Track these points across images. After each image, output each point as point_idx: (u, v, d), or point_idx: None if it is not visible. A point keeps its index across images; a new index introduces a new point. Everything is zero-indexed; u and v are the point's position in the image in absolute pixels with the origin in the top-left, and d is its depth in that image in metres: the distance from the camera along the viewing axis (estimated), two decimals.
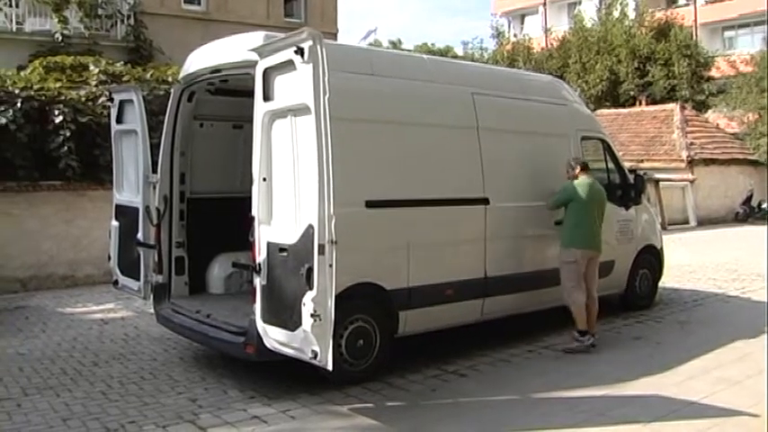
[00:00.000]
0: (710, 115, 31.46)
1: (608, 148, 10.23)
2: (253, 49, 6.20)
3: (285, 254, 5.91)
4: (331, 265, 5.46)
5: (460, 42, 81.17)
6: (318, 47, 5.47)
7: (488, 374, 7.51)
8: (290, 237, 5.84)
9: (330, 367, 5.59)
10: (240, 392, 6.89)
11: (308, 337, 5.57)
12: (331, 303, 5.47)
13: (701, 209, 24.67)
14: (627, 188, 10.29)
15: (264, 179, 6.18)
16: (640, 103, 31.15)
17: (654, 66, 35.11)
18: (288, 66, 5.77)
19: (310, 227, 5.55)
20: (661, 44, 35.65)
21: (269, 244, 6.07)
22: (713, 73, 36.42)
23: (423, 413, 6.39)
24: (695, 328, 9.44)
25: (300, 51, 5.55)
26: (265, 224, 6.16)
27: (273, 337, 6.04)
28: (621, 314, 10.06)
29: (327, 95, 5.48)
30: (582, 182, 8.43)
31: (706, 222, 24.26)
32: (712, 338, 8.65)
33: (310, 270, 5.48)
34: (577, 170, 8.52)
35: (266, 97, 6.12)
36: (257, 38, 6.87)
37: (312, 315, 5.45)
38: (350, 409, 6.48)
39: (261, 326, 6.14)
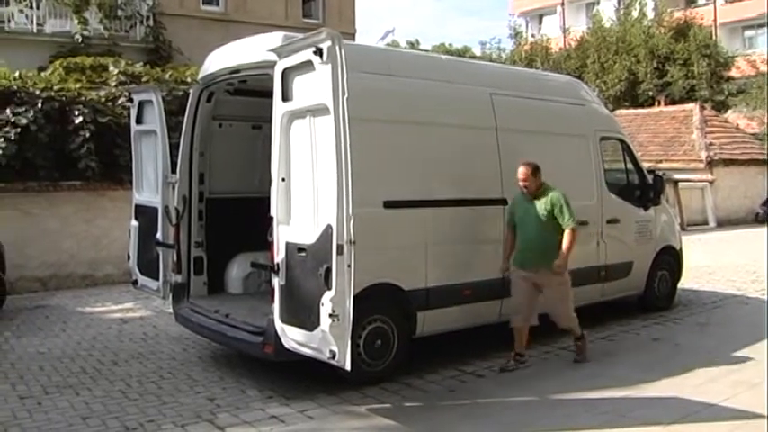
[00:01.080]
0: (730, 115, 31.27)
1: (627, 149, 10.19)
2: (272, 50, 6.21)
3: (304, 254, 5.91)
4: (349, 266, 5.46)
5: (478, 43, 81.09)
6: (337, 47, 5.47)
7: (506, 375, 7.48)
8: (308, 237, 5.85)
9: (348, 367, 5.59)
10: (258, 392, 6.91)
11: (326, 337, 5.57)
12: (349, 303, 5.47)
13: (720, 210, 24.50)
14: (646, 189, 10.24)
15: (283, 179, 6.19)
16: (659, 104, 30.96)
17: (673, 66, 34.93)
18: (307, 66, 5.77)
19: (329, 227, 5.55)
20: (680, 44, 35.47)
21: (287, 244, 6.08)
22: (733, 73, 36.21)
23: (441, 414, 6.39)
24: (714, 329, 9.38)
25: (319, 52, 5.54)
26: (284, 224, 6.17)
27: (292, 336, 6.05)
28: (640, 315, 10.01)
29: (346, 96, 5.48)
30: (517, 193, 7.75)
31: (725, 223, 24.09)
32: (732, 340, 8.59)
33: (329, 270, 5.48)
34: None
35: (285, 98, 6.13)
36: (276, 38, 6.89)
37: (330, 315, 5.45)
38: (368, 409, 6.48)
39: (279, 326, 6.15)
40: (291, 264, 6.04)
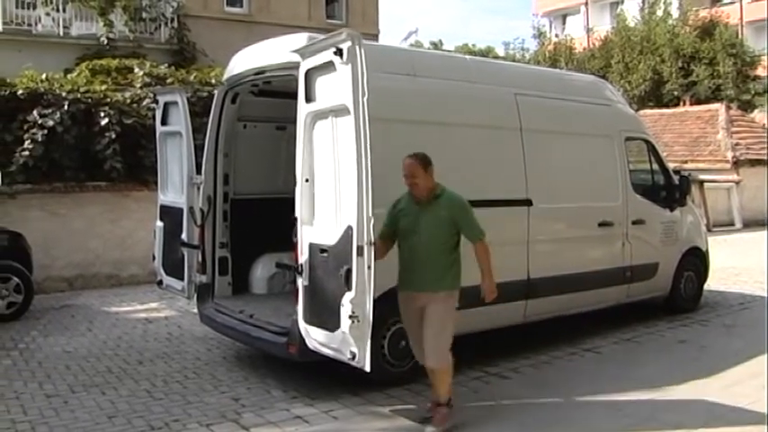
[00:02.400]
0: (757, 115, 30.89)
1: (652, 149, 10.13)
2: (295, 51, 6.22)
3: (326, 255, 5.91)
4: (370, 267, 5.43)
5: (501, 43, 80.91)
6: (357, 47, 5.45)
7: (531, 376, 7.46)
8: (330, 238, 5.84)
9: (368, 369, 5.56)
10: (283, 392, 6.93)
11: (346, 339, 5.56)
12: (369, 305, 5.44)
13: (746, 210, 24.23)
14: (671, 189, 10.17)
15: (307, 180, 6.19)
16: (684, 104, 30.72)
17: (698, 65, 34.63)
18: (328, 67, 5.76)
19: (349, 228, 5.53)
20: (705, 43, 35.15)
21: (311, 245, 6.08)
22: (759, 72, 35.81)
23: (465, 415, 6.36)
24: (741, 331, 9.29)
25: (339, 52, 5.54)
26: (308, 225, 6.17)
27: (314, 337, 6.06)
28: (666, 317, 9.93)
29: (366, 96, 5.45)
30: (402, 195, 6.30)
31: (752, 224, 23.81)
32: (759, 342, 8.48)
33: (349, 271, 5.47)
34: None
35: (308, 98, 6.13)
36: (300, 39, 6.89)
37: (350, 316, 5.43)
38: (392, 410, 6.48)
39: (303, 326, 6.15)
40: (314, 264, 6.04)
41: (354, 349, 5.51)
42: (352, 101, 5.49)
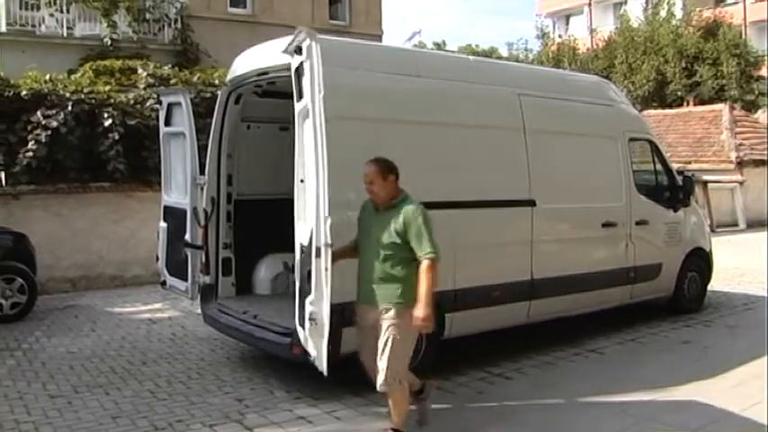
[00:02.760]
0: (761, 115, 30.81)
1: (656, 150, 10.13)
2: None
3: (303, 255, 5.93)
4: (327, 269, 5.37)
5: (505, 43, 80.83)
6: (313, 44, 5.51)
7: (534, 377, 7.46)
8: (305, 239, 5.83)
9: (326, 372, 5.54)
10: (286, 393, 6.93)
11: (308, 340, 5.58)
12: (326, 307, 5.39)
13: (750, 211, 24.19)
14: (675, 190, 10.18)
15: (302, 180, 6.21)
16: (688, 104, 30.65)
17: (702, 65, 34.57)
18: (302, 66, 5.80)
19: (312, 229, 5.54)
20: (709, 43, 35.09)
21: (300, 245, 6.09)
22: (763, 72, 35.73)
23: (469, 416, 6.37)
24: (745, 332, 9.28)
25: (299, 50, 5.59)
26: (300, 225, 6.19)
27: (300, 337, 6.08)
28: (669, 318, 9.92)
29: (322, 93, 5.46)
30: (368, 198, 5.92)
31: (756, 225, 23.75)
32: (762, 343, 8.46)
33: (309, 273, 5.48)
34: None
35: (299, 97, 6.17)
36: None
37: (309, 318, 5.46)
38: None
39: (296, 325, 6.16)
40: (300, 264, 6.06)
41: (314, 351, 5.52)
42: (309, 98, 5.53)
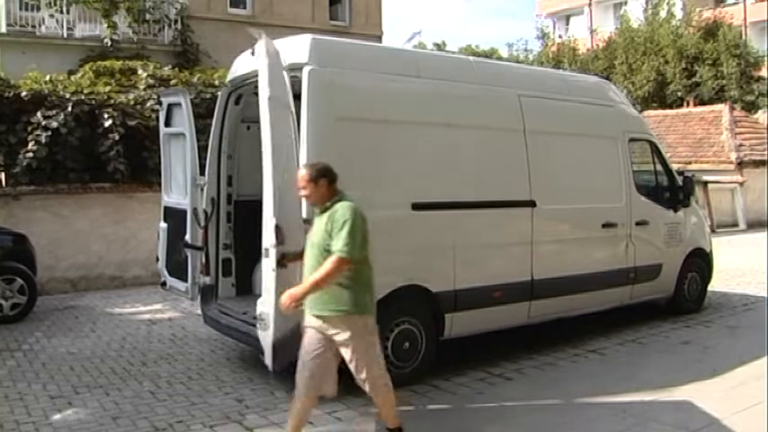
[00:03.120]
0: (761, 116, 30.82)
1: (656, 150, 10.13)
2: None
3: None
4: (273, 269, 5.46)
5: (505, 44, 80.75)
6: (263, 49, 5.83)
7: (535, 378, 7.46)
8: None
9: (271, 368, 5.71)
10: (286, 393, 6.90)
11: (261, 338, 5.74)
12: (273, 308, 5.45)
13: (750, 211, 24.19)
14: (675, 190, 10.17)
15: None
16: (688, 104, 30.64)
17: (702, 66, 34.57)
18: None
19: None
20: (709, 44, 35.09)
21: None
22: (763, 73, 35.71)
23: (469, 416, 6.37)
24: (745, 332, 9.28)
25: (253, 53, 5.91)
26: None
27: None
28: (670, 318, 9.92)
29: (269, 95, 5.75)
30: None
31: (756, 225, 23.75)
32: (763, 343, 8.46)
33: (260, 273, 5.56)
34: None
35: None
36: (304, 41, 6.92)
37: (259, 318, 5.57)
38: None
39: None
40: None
41: (264, 349, 5.65)
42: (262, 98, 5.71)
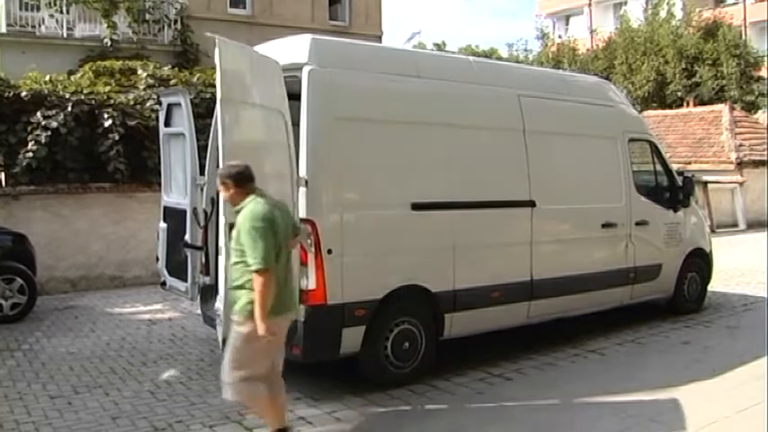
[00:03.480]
0: (761, 116, 30.82)
1: (655, 150, 10.13)
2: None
3: None
4: (222, 267, 5.53)
5: (505, 44, 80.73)
6: (217, 48, 6.10)
7: (534, 378, 7.46)
8: None
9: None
10: (286, 393, 6.91)
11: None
12: (222, 304, 5.52)
13: (750, 211, 24.19)
14: (675, 190, 10.16)
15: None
16: (688, 104, 30.63)
17: (702, 66, 34.58)
18: None
19: None
20: (709, 44, 35.10)
21: None
22: (763, 73, 35.72)
23: (468, 416, 6.37)
24: (745, 332, 9.28)
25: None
26: None
27: None
28: (670, 318, 9.92)
29: (221, 96, 5.85)
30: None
31: (756, 225, 23.75)
32: (762, 344, 8.47)
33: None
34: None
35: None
36: (303, 41, 6.93)
37: (215, 313, 5.73)
38: (395, 411, 6.48)
39: None
40: None
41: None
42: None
